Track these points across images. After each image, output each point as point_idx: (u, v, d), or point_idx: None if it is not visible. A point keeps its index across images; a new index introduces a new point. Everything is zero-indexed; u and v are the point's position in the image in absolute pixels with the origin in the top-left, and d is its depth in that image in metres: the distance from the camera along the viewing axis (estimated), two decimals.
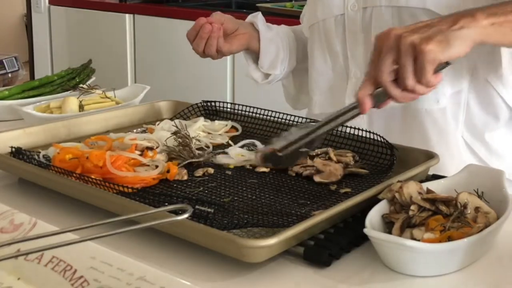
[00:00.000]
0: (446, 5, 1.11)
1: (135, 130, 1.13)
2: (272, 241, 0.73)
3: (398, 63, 0.88)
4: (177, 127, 1.08)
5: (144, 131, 1.19)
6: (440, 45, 0.87)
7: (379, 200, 0.84)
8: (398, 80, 0.89)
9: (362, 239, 0.80)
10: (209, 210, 0.84)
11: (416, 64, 0.87)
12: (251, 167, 1.04)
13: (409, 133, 1.20)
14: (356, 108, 0.92)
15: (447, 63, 0.90)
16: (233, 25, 1.31)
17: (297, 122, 1.19)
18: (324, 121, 0.94)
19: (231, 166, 1.05)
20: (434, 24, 0.90)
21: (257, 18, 1.36)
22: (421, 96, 1.14)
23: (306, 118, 1.19)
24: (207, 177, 1.00)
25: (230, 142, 1.16)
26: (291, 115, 1.20)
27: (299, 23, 1.47)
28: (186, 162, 1.03)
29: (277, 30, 1.40)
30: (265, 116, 1.24)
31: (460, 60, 1.11)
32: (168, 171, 0.99)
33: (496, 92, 1.17)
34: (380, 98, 0.91)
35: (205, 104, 1.33)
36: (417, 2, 1.14)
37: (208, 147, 1.13)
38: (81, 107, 1.38)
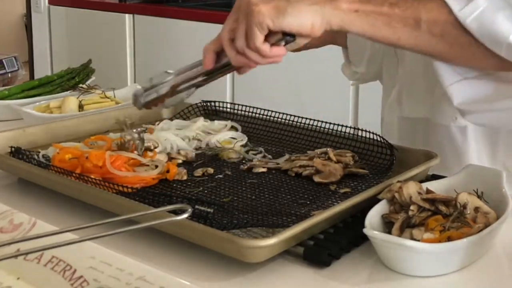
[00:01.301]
0: None
1: (135, 130, 1.13)
2: (271, 241, 0.73)
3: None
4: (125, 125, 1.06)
5: (143, 131, 1.19)
6: (273, 11, 0.81)
7: (378, 200, 0.84)
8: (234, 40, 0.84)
9: (361, 239, 0.80)
10: (208, 210, 0.84)
11: (247, 25, 0.82)
12: (247, 164, 1.04)
13: (430, 149, 1.09)
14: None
15: (292, 37, 0.83)
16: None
17: (296, 122, 1.19)
18: (177, 72, 0.95)
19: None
20: None
21: None
22: (441, 111, 1.09)
23: (306, 118, 1.18)
24: (206, 177, 1.00)
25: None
26: (291, 115, 1.20)
27: None
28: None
29: None
30: (264, 116, 1.24)
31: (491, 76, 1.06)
32: (167, 171, 0.99)
33: None
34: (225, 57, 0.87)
35: (204, 104, 1.33)
36: None
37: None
38: (80, 107, 1.38)
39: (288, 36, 0.83)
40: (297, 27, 0.82)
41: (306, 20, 0.82)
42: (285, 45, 0.84)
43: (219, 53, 0.87)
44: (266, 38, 0.82)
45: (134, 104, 1.00)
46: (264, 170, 1.03)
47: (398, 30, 0.86)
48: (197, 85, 0.95)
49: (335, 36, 1.28)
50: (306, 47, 1.25)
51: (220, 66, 0.88)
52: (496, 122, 0.97)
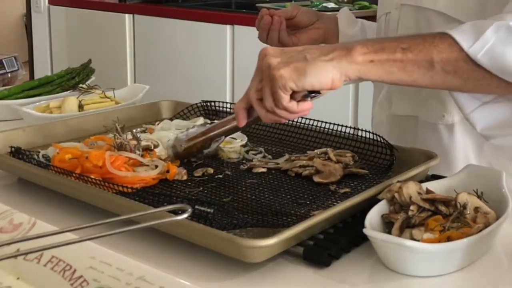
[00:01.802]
0: (461, 7, 1.07)
1: (134, 130, 1.13)
2: (271, 241, 0.73)
3: None
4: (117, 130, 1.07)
5: (143, 131, 1.19)
6: (294, 73, 0.84)
7: (378, 200, 0.84)
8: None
9: (361, 239, 0.80)
10: (208, 210, 0.84)
11: (271, 88, 0.85)
12: (247, 164, 1.04)
13: (419, 146, 1.13)
14: (235, 120, 0.94)
15: (317, 92, 0.87)
16: (308, 19, 1.29)
17: (296, 122, 1.19)
18: (211, 127, 1.04)
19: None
20: (308, 50, 0.87)
21: (340, 12, 1.33)
22: (428, 109, 1.13)
23: (306, 118, 1.18)
24: (206, 177, 1.00)
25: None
26: None
27: None
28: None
29: (362, 27, 1.36)
30: None
31: None
32: (167, 171, 0.99)
33: None
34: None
35: (204, 104, 1.33)
36: (429, 3, 1.11)
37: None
38: (80, 107, 1.38)
39: (312, 93, 0.87)
40: (319, 85, 0.85)
41: (325, 77, 0.85)
42: (311, 99, 0.88)
43: (249, 109, 0.92)
44: (292, 95, 0.86)
45: (171, 153, 1.07)
46: (264, 170, 1.03)
47: (413, 73, 0.88)
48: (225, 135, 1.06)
49: (327, 36, 1.29)
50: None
51: (252, 121, 0.94)
52: None
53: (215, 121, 1.13)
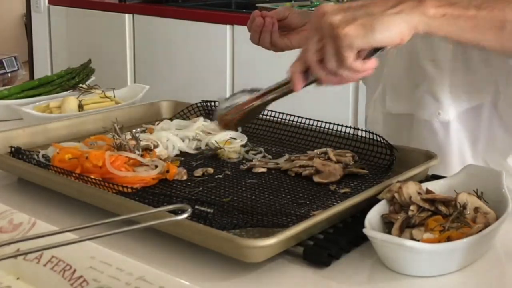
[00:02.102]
0: None
1: (134, 130, 1.13)
2: (271, 241, 0.73)
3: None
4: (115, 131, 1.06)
5: (143, 131, 1.19)
6: (361, 30, 0.79)
7: (378, 200, 0.84)
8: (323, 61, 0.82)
9: (361, 239, 0.80)
10: (208, 210, 0.84)
11: (335, 47, 0.80)
12: (247, 164, 1.04)
13: (414, 144, 1.14)
14: (288, 83, 0.87)
15: (380, 48, 0.82)
16: (300, 20, 1.28)
17: (296, 122, 1.19)
18: (261, 93, 0.93)
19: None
20: (371, 4, 0.81)
21: None
22: (424, 107, 1.13)
23: (306, 118, 1.18)
24: (206, 177, 1.00)
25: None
26: (291, 115, 1.20)
27: None
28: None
29: None
30: (264, 116, 1.24)
31: (474, 75, 1.06)
32: (167, 171, 0.99)
33: None
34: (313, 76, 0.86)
35: (204, 104, 1.33)
36: None
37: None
38: (80, 107, 1.38)
39: (378, 49, 0.82)
40: (387, 41, 0.80)
41: (395, 32, 0.80)
42: (376, 54, 0.84)
43: (305, 72, 0.85)
44: (358, 54, 0.81)
45: (215, 118, 0.98)
46: (264, 170, 1.03)
47: (485, 32, 0.84)
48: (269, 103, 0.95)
49: None
50: (290, 47, 1.26)
51: (307, 84, 0.87)
52: None
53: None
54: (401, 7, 0.80)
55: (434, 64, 1.10)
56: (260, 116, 1.24)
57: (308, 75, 0.85)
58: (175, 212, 0.75)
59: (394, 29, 0.79)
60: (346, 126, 1.13)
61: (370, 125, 1.25)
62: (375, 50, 0.82)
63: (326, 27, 0.80)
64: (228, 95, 3.16)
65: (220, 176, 1.01)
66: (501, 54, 1.00)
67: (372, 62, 0.82)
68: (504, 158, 1.10)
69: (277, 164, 1.05)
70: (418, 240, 0.76)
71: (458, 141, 1.13)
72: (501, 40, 0.85)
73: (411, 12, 0.80)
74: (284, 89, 0.89)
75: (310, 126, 1.17)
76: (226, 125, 0.96)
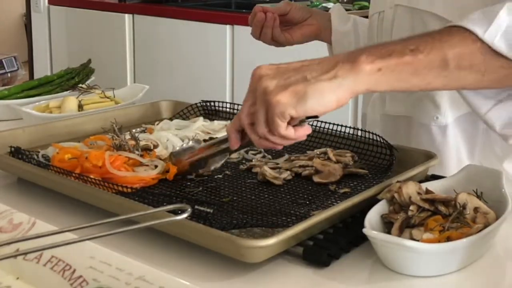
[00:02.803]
0: (459, 10, 1.00)
1: (134, 130, 1.13)
2: (271, 241, 0.73)
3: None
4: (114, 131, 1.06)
5: (143, 131, 1.19)
6: (293, 98, 0.75)
7: (378, 200, 0.84)
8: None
9: (361, 239, 0.80)
10: (208, 210, 0.84)
11: (267, 114, 0.77)
12: (247, 164, 1.04)
13: (411, 146, 1.12)
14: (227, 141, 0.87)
15: (315, 116, 0.78)
16: (301, 15, 1.28)
17: None
18: (205, 145, 0.97)
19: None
20: (307, 67, 0.78)
21: (333, 9, 1.32)
22: (422, 110, 1.13)
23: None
24: (206, 177, 1.00)
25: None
26: None
27: None
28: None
29: (355, 23, 1.33)
30: None
31: None
32: (167, 171, 0.99)
33: None
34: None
35: (204, 104, 1.33)
36: (425, 4, 1.08)
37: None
38: (80, 107, 1.38)
39: (311, 117, 0.79)
40: (322, 108, 0.76)
41: (329, 98, 0.76)
42: (310, 123, 0.81)
43: (243, 131, 0.83)
44: (289, 122, 0.78)
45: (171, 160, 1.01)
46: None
47: (426, 76, 0.81)
48: (220, 156, 0.97)
49: (319, 32, 1.29)
50: (291, 43, 1.26)
51: (245, 144, 0.86)
52: None
53: (213, 138, 1.07)
54: (335, 71, 0.77)
55: None
56: None
57: (245, 135, 0.83)
58: (175, 212, 0.75)
59: (328, 96, 0.76)
60: (346, 126, 1.13)
61: (369, 126, 1.26)
62: (309, 117, 0.78)
63: (260, 91, 0.77)
64: (228, 95, 3.15)
65: (220, 176, 1.01)
66: (449, 90, 0.98)
67: (305, 130, 0.79)
68: (500, 162, 1.10)
69: (277, 164, 1.05)
70: (418, 240, 0.76)
71: (456, 145, 1.13)
72: (446, 79, 0.82)
73: (345, 76, 0.76)
74: (224, 146, 0.92)
75: (309, 126, 1.17)
76: (178, 168, 0.99)
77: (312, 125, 1.16)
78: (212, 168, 0.98)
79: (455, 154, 1.13)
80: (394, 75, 0.79)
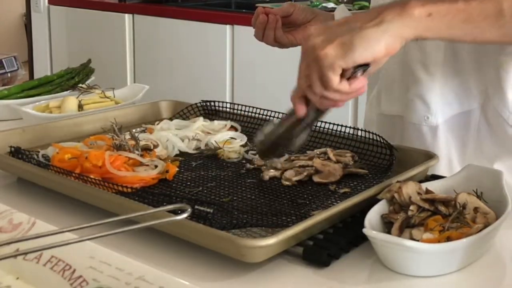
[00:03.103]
0: None
1: (134, 130, 1.13)
2: (271, 241, 0.73)
3: None
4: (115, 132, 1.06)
5: (143, 131, 1.19)
6: (341, 49, 0.75)
7: (378, 200, 0.84)
8: None
9: (361, 239, 0.80)
10: (208, 210, 0.84)
11: (319, 71, 0.77)
12: (246, 162, 1.04)
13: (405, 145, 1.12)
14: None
15: (367, 64, 0.78)
16: (304, 16, 1.27)
17: None
18: (282, 120, 0.92)
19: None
20: (352, 18, 0.78)
21: (337, 10, 1.32)
22: (413, 110, 1.13)
23: None
24: (206, 177, 1.00)
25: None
26: None
27: None
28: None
29: None
30: (264, 116, 1.24)
31: (464, 80, 1.06)
32: (167, 171, 0.99)
33: (508, 124, 1.06)
34: None
35: (204, 104, 1.33)
36: None
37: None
38: (80, 107, 1.38)
39: (362, 66, 0.78)
40: (371, 56, 0.76)
41: (377, 46, 0.75)
42: (362, 73, 0.79)
43: (306, 98, 0.83)
44: (342, 73, 0.77)
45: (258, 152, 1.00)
46: (277, 174, 1.00)
47: (479, 24, 0.78)
48: (305, 132, 0.92)
49: None
50: (294, 44, 1.26)
51: (314, 111, 0.85)
52: None
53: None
54: (381, 17, 0.76)
55: (424, 67, 1.10)
56: (260, 116, 1.24)
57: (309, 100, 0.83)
58: (175, 212, 0.75)
59: (375, 43, 0.76)
60: (346, 126, 1.13)
61: (366, 125, 1.26)
62: (361, 66, 0.78)
63: (310, 50, 0.78)
64: (228, 95, 3.15)
65: (220, 176, 1.01)
66: (506, 44, 0.94)
67: (360, 81, 0.79)
68: (490, 164, 1.09)
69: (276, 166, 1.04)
70: (418, 240, 0.76)
71: (446, 145, 1.13)
72: (502, 31, 0.79)
73: (393, 21, 0.76)
74: (294, 117, 0.88)
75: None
76: (261, 156, 0.98)
77: (316, 126, 1.16)
78: (298, 144, 0.92)
79: (446, 155, 1.13)
80: (445, 21, 0.77)
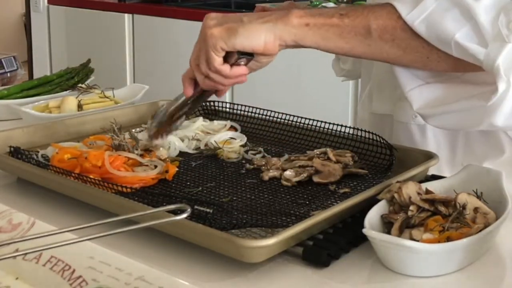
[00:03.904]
0: None
1: (134, 130, 1.13)
2: (271, 241, 0.73)
3: None
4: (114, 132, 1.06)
5: (143, 131, 1.19)
6: (225, 32, 0.85)
7: (378, 201, 0.84)
8: None
9: (361, 239, 0.80)
10: (208, 210, 0.84)
11: (205, 50, 0.86)
12: (246, 162, 1.04)
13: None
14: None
15: (250, 55, 0.88)
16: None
17: (296, 122, 1.19)
18: (168, 103, 1.02)
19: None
20: (247, 14, 0.89)
21: None
22: (402, 109, 1.13)
23: (306, 118, 1.18)
24: (206, 177, 1.00)
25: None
26: (290, 115, 1.20)
27: None
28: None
29: None
30: (264, 116, 1.24)
31: (453, 76, 1.07)
32: (167, 171, 0.99)
33: None
34: None
35: (204, 104, 1.33)
36: None
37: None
38: (80, 107, 1.38)
39: (246, 55, 0.87)
40: (249, 46, 0.85)
41: (258, 38, 0.85)
42: (246, 64, 0.88)
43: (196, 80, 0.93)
44: (227, 60, 0.87)
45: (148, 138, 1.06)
46: (277, 174, 1.00)
47: (350, 40, 0.88)
48: (186, 113, 1.01)
49: None
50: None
51: (198, 92, 0.93)
52: (454, 124, 0.97)
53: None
54: (268, 18, 0.87)
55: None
56: (260, 116, 1.24)
57: (198, 83, 0.92)
58: (175, 212, 0.75)
59: (256, 36, 0.85)
60: (346, 126, 1.13)
61: (359, 123, 1.26)
62: (245, 58, 0.87)
63: (202, 30, 0.87)
64: (227, 95, 3.16)
65: (220, 176, 1.01)
66: (372, 59, 1.03)
67: (241, 69, 0.88)
68: (480, 164, 1.09)
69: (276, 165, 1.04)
70: (418, 241, 0.76)
71: (436, 144, 1.13)
72: (369, 48, 0.88)
73: (276, 23, 0.86)
74: (183, 100, 0.98)
75: (309, 126, 1.17)
76: (156, 136, 1.02)
77: (313, 125, 1.16)
78: (179, 123, 1.01)
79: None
80: (321, 33, 0.87)
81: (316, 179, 0.98)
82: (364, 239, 0.78)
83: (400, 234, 0.79)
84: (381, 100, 1.20)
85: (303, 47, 0.89)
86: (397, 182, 0.86)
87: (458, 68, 0.92)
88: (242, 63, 0.88)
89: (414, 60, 0.91)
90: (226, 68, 0.87)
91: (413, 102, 0.96)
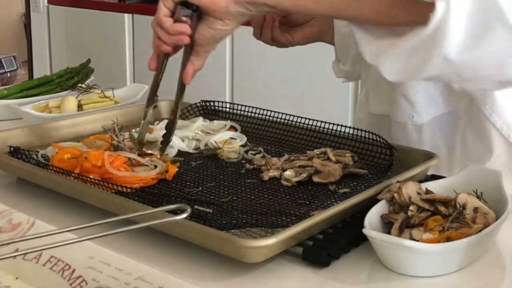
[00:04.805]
0: None
1: (134, 130, 1.13)
2: (270, 241, 0.73)
3: None
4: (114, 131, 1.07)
5: None
6: None
7: (378, 201, 0.84)
8: None
9: (361, 239, 0.80)
10: (207, 210, 0.84)
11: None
12: (246, 163, 1.04)
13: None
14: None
15: (194, 11, 0.89)
16: (303, 17, 1.26)
17: (296, 122, 1.18)
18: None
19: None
20: None
21: None
22: (399, 109, 1.14)
23: (306, 118, 1.18)
24: (205, 177, 1.00)
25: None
26: (290, 115, 1.20)
27: None
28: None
29: None
30: (264, 116, 1.24)
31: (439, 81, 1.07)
32: (166, 171, 0.99)
33: (489, 122, 1.07)
34: None
35: (204, 104, 1.33)
36: None
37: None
38: (79, 107, 1.38)
39: (190, 10, 0.88)
40: (202, 3, 0.86)
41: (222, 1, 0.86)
42: (190, 24, 0.89)
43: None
44: (177, 17, 0.89)
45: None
46: (277, 174, 1.00)
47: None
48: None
49: (321, 34, 1.29)
50: (292, 44, 1.26)
51: (162, 65, 0.98)
52: (406, 66, 0.89)
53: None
54: None
55: None
56: (260, 116, 1.24)
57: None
58: (175, 212, 0.75)
59: None
60: (346, 126, 1.13)
61: (356, 124, 1.26)
62: (189, 12, 0.88)
63: None
64: (227, 95, 3.14)
65: (220, 176, 1.01)
66: (341, 18, 0.99)
67: (182, 26, 0.89)
68: (479, 163, 1.08)
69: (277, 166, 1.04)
70: (418, 240, 0.76)
71: (433, 145, 1.13)
72: (330, 5, 0.86)
73: None
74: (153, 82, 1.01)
75: (309, 126, 1.17)
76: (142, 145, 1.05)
77: (313, 125, 1.16)
78: (149, 111, 1.04)
79: None
80: None
81: (316, 179, 0.98)
82: (364, 239, 0.78)
83: (400, 234, 0.79)
84: (378, 100, 1.21)
85: (257, 4, 0.87)
86: (397, 182, 0.86)
87: (417, 22, 0.85)
88: (184, 19, 0.89)
89: (382, 13, 0.87)
90: (167, 20, 0.88)
91: (365, 56, 0.92)
